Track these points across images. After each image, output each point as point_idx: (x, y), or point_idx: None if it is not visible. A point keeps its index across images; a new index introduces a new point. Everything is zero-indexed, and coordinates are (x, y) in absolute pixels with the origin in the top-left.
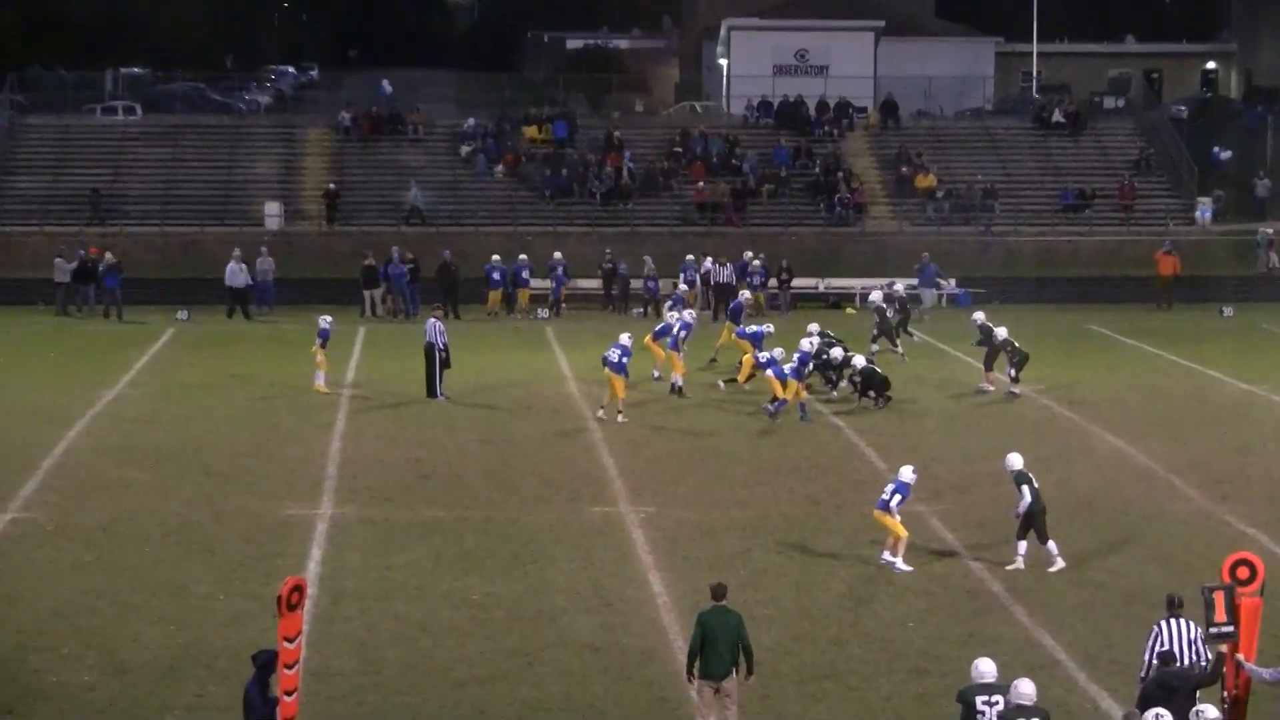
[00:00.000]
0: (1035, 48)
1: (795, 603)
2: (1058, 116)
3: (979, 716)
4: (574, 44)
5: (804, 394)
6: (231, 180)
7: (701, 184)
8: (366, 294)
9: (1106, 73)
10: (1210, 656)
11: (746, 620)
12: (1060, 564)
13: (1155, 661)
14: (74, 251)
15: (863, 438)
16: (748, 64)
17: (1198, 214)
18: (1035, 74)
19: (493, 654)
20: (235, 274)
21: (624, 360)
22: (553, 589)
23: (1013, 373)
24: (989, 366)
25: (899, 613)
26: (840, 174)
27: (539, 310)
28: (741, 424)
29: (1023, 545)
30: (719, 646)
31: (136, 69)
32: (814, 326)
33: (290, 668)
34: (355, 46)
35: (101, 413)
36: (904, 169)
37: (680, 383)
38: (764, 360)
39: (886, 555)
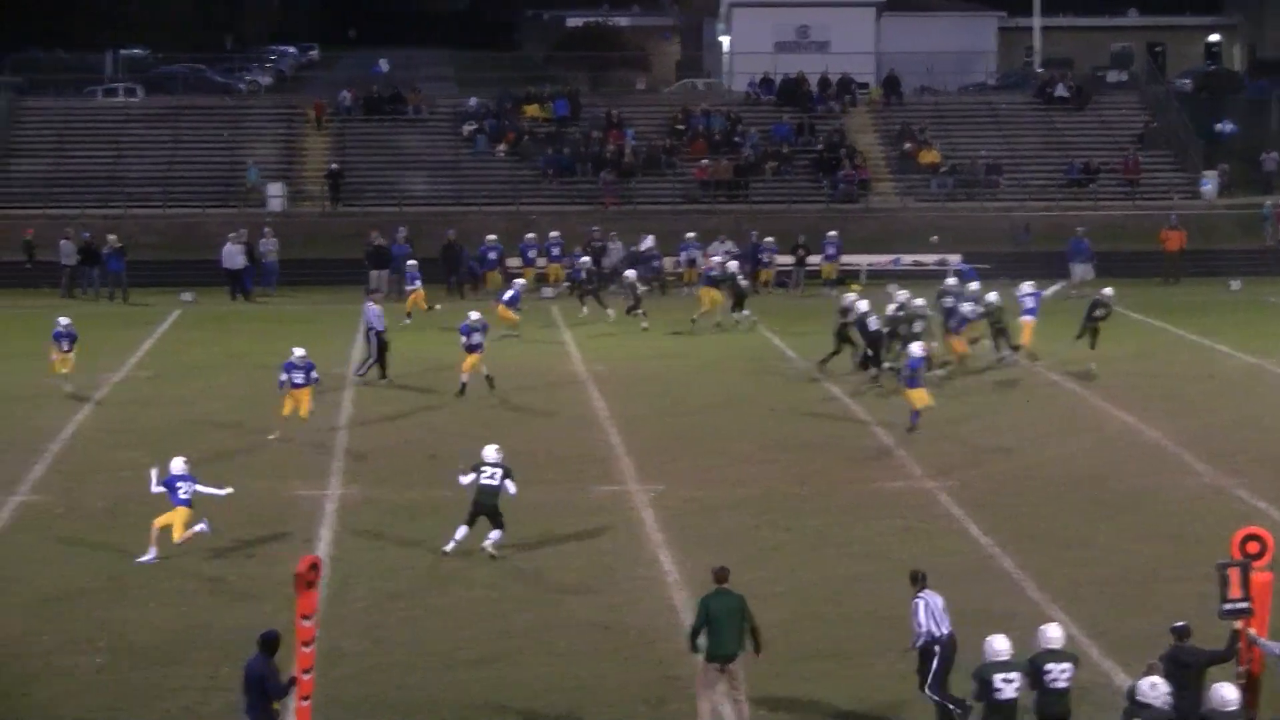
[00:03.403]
0: (1038, 22)
1: (801, 580)
2: (1061, 91)
3: (996, 693)
4: (574, 22)
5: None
6: (233, 161)
7: (704, 161)
8: (374, 274)
9: (1109, 46)
10: (944, 630)
11: (752, 598)
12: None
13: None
14: (78, 233)
15: (871, 415)
16: (749, 41)
17: (1203, 187)
18: (1038, 48)
19: (501, 634)
20: (232, 255)
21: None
22: (561, 568)
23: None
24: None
25: (905, 590)
26: (843, 150)
27: (544, 289)
28: (748, 402)
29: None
30: (724, 629)
31: (136, 50)
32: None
33: (307, 645)
34: (354, 26)
35: (108, 395)
36: (907, 145)
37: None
38: (912, 366)
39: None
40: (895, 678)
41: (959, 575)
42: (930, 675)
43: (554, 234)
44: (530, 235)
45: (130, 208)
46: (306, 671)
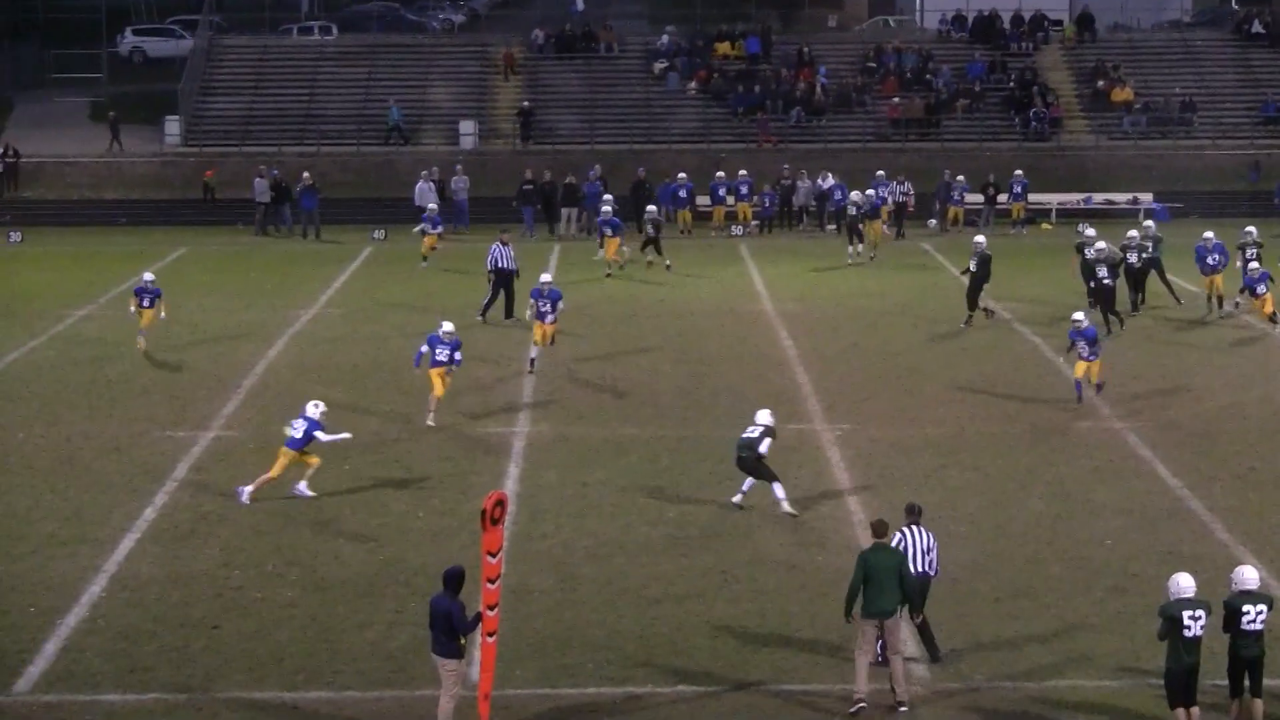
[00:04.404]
0: None
1: (991, 521)
2: (1257, 27)
3: (1185, 630)
4: None
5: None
6: (426, 100)
7: (895, 100)
8: (565, 212)
9: None
10: (917, 569)
11: (943, 539)
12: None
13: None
14: (268, 171)
15: (1060, 355)
16: None
17: None
18: None
19: (688, 572)
20: (425, 193)
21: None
22: (748, 506)
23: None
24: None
25: (1096, 531)
26: (1035, 88)
27: (733, 227)
28: (937, 341)
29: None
30: (881, 585)
31: None
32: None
33: (493, 582)
34: None
35: (300, 332)
36: (1100, 82)
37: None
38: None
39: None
40: (1083, 619)
41: (1148, 516)
42: None
43: (743, 172)
44: (720, 174)
45: (324, 146)
46: (492, 608)
